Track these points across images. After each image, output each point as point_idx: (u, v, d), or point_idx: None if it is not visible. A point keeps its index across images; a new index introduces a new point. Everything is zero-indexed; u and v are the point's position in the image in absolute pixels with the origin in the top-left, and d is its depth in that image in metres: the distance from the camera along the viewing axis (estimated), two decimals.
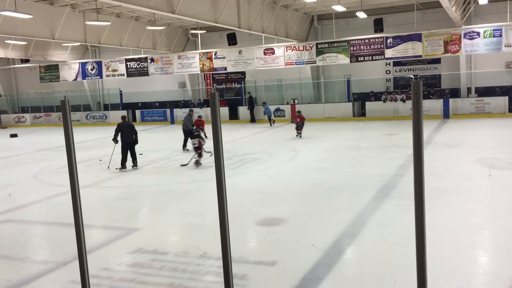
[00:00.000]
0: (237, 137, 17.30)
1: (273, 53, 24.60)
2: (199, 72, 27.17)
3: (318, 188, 9.94)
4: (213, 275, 5.56)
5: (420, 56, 22.00)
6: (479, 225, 7.06)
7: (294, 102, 25.93)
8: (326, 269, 5.61)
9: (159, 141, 20.02)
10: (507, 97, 21.41)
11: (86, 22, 20.96)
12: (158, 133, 24.01)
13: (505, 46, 20.05)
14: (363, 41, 22.67)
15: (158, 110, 29.42)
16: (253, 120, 25.79)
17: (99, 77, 29.24)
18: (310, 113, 24.46)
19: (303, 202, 9.02)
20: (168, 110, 28.74)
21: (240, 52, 25.24)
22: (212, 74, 28.98)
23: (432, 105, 22.38)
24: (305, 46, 23.97)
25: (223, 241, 2.22)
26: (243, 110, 26.95)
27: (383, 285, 5.13)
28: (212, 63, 26.06)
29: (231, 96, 28.80)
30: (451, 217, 7.43)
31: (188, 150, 15.64)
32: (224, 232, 2.24)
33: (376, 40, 22.33)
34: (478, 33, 20.52)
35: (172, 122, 28.06)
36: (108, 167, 13.35)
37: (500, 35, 20.06)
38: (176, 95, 30.15)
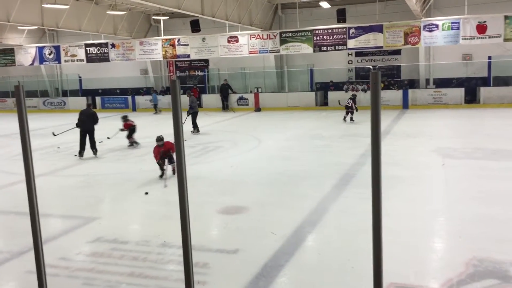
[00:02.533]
0: (201, 126, 17.17)
1: (237, 41, 24.47)
2: (161, 59, 26.77)
3: (281, 176, 10.01)
4: (175, 264, 5.53)
5: (381, 47, 22.38)
6: (435, 212, 7.29)
7: (257, 90, 25.95)
8: (287, 256, 5.68)
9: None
10: (463, 89, 22.09)
11: (43, 5, 20.21)
12: (119, 120, 23.52)
13: (462, 38, 20.65)
14: (326, 31, 22.85)
15: (119, 97, 28.84)
16: (226, 108, 25.52)
17: (57, 62, 28.36)
18: (273, 102, 24.56)
19: (266, 190, 9.08)
20: (129, 97, 28.22)
21: (203, 39, 24.99)
22: (175, 61, 28.61)
23: (392, 96, 22.86)
24: (269, 34, 23.96)
25: (184, 230, 2.20)
26: (207, 98, 26.76)
27: (341, 271, 5.24)
28: (175, 50, 25.70)
29: (194, 83, 28.53)
30: (408, 205, 7.64)
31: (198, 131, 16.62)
32: (185, 220, 2.23)
33: (339, 30, 22.56)
34: (437, 26, 21.04)
35: (134, 109, 27.59)
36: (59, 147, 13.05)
37: (458, 28, 20.63)
38: (138, 82, 29.63)
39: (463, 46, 21.91)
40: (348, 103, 18.18)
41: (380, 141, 1.67)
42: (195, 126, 16.85)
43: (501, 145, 12.33)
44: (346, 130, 16.38)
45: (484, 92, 21.82)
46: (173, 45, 25.64)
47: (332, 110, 22.95)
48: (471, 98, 22.11)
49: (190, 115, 16.79)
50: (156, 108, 25.86)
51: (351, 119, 18.07)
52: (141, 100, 27.61)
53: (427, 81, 23.76)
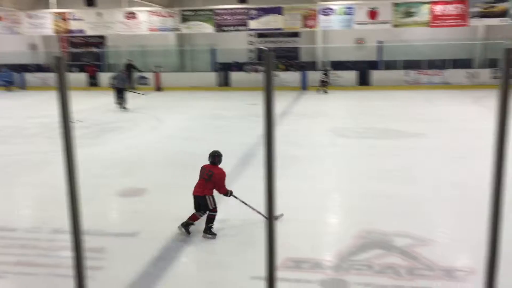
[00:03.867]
0: (97, 105, 16.40)
1: (135, 17, 23.55)
2: (52, 33, 24.99)
3: (182, 157, 9.91)
4: (67, 250, 5.27)
5: (281, 29, 22.83)
6: (330, 189, 7.67)
7: (158, 70, 25.28)
8: (186, 237, 5.66)
9: (6, 108, 18.14)
10: (356, 71, 23.29)
11: None
12: (5, 99, 21.73)
13: (356, 23, 21.71)
14: (227, 11, 22.78)
15: (5, 74, 26.51)
16: (130, 90, 24.28)
17: None
18: (174, 81, 24.08)
19: (167, 171, 8.94)
20: (17, 74, 26.05)
21: (99, 14, 23.71)
22: (69, 36, 26.87)
23: (291, 77, 23.49)
24: (170, 12, 23.35)
25: (73, 213, 2.07)
26: (106, 77, 25.51)
27: (239, 248, 5.34)
28: (68, 25, 24.14)
29: (89, 61, 27.03)
30: (305, 182, 7.96)
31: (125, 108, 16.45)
32: (74, 204, 2.09)
33: (241, 11, 22.60)
34: (333, 10, 21.89)
35: (23, 87, 25.57)
36: None
37: (352, 13, 21.64)
38: (27, 58, 27.43)
39: (356, 31, 23.05)
40: (322, 78, 21.07)
41: (273, 121, 1.69)
42: (121, 101, 16.72)
43: (389, 125, 13.23)
44: (247, 111, 16.58)
45: (375, 75, 23.19)
46: (65, 20, 24.04)
47: (234, 90, 23.07)
48: (364, 81, 23.40)
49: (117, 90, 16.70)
50: (11, 86, 24.42)
51: (325, 91, 20.83)
52: (30, 77, 25.65)
53: (324, 63, 24.71)
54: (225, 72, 24.99)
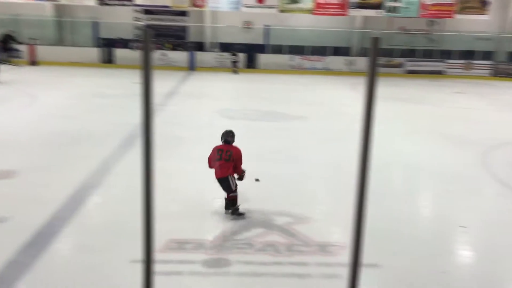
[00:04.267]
0: None
1: None
2: None
3: (61, 137, 9.29)
4: None
5: (169, 6, 22.27)
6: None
7: (33, 42, 23.30)
8: (62, 222, 5.34)
9: None
10: (244, 54, 23.57)
11: None
12: None
13: (244, 6, 21.89)
14: None
15: None
16: (4, 62, 21.86)
17: None
18: (51, 56, 22.43)
19: (41, 152, 8.33)
20: None
21: None
22: None
23: (179, 57, 23.11)
24: None
25: None
26: None
27: (120, 231, 5.17)
28: None
29: None
30: (190, 163, 7.91)
31: None
32: None
33: None
34: None
35: None
36: None
37: None
38: None
39: (244, 13, 23.25)
40: (233, 59, 22.25)
41: (152, 100, 1.63)
42: None
43: (274, 107, 13.63)
44: (133, 89, 16.00)
45: (262, 58, 23.69)
46: None
47: (118, 68, 22.10)
48: (251, 64, 23.78)
49: None
50: None
51: (235, 72, 21.86)
52: None
53: (213, 44, 24.65)
54: (108, 48, 23.81)
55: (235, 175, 5.71)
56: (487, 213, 6.27)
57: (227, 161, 5.71)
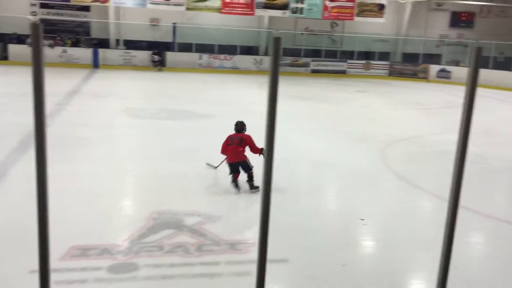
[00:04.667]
0: None
1: None
2: None
3: None
4: None
5: (69, 0, 21.16)
6: (123, 171, 7.46)
7: None
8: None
9: None
10: (151, 52, 23.04)
11: None
12: None
13: (150, 3, 21.38)
14: None
15: None
16: None
17: None
18: None
19: None
20: None
21: None
22: None
23: (81, 54, 22.06)
24: None
25: None
26: None
27: (19, 239, 4.83)
28: None
29: None
30: (97, 165, 7.58)
31: None
32: None
33: None
34: None
35: None
36: None
37: None
38: None
39: (151, 10, 22.72)
40: (154, 58, 22.32)
41: (43, 99, 1.53)
42: None
43: (182, 106, 13.48)
44: (27, 88, 14.99)
45: (169, 56, 23.31)
46: None
47: (13, 65, 20.59)
48: (159, 62, 23.29)
49: None
50: None
51: (160, 69, 22.22)
52: None
53: (118, 41, 23.81)
54: (3, 44, 22.15)
55: (258, 155, 6.71)
56: (386, 206, 6.67)
57: (238, 145, 6.64)
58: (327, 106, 15.12)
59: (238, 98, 15.81)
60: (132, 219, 5.57)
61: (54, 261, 4.45)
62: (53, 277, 3.87)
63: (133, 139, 9.63)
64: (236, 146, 6.60)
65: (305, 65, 24.53)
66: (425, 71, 24.86)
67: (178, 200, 6.18)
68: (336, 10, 22.96)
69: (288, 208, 6.14)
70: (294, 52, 24.60)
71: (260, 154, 6.66)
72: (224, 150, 6.80)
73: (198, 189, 6.77)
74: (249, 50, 24.66)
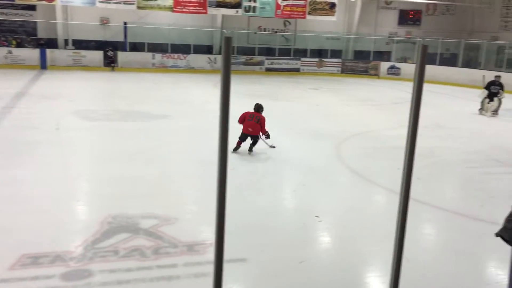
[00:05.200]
0: None
1: None
2: None
3: None
4: None
5: (14, 0, 20.35)
6: (74, 175, 7.23)
7: None
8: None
9: None
10: (102, 52, 22.51)
11: None
12: None
13: (99, 1, 20.86)
14: None
15: None
16: None
17: None
18: None
19: None
20: None
21: None
22: None
23: (28, 54, 21.28)
24: None
25: None
26: None
27: None
28: None
29: None
30: (47, 169, 7.32)
31: None
32: None
33: None
34: None
35: None
36: None
37: None
38: None
39: (101, 9, 22.17)
40: (109, 53, 21.88)
41: None
42: None
43: (136, 107, 13.23)
44: None
45: (121, 56, 22.82)
46: None
47: None
48: (111, 61, 22.79)
49: None
50: None
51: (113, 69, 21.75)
52: None
53: (66, 41, 23.10)
54: None
55: (263, 135, 8.67)
56: (342, 201, 6.78)
57: (256, 123, 8.47)
58: (282, 103, 15.23)
59: (193, 97, 15.68)
60: (86, 224, 5.41)
61: (3, 271, 4.28)
62: (2, 287, 3.70)
63: (84, 142, 9.37)
64: (254, 123, 8.44)
65: (259, 63, 24.62)
66: (376, 68, 25.50)
67: (133, 203, 6.05)
68: (288, 8, 23.17)
69: (248, 207, 6.13)
70: (248, 51, 24.64)
71: (264, 135, 8.59)
72: (242, 121, 8.46)
73: (154, 191, 6.66)
74: (203, 49, 24.50)
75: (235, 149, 8.41)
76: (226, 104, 1.98)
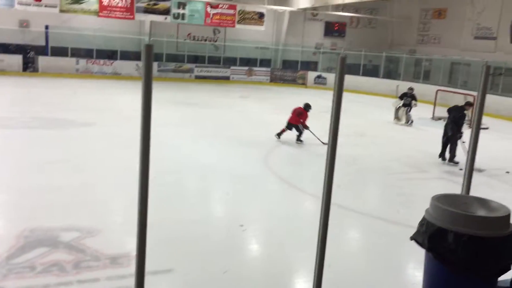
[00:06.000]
0: None
1: None
2: None
3: None
4: None
5: None
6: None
7: None
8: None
9: None
10: (21, 56, 21.37)
11: None
12: None
13: (18, 4, 19.82)
14: None
15: None
16: None
17: None
18: None
19: None
20: None
21: None
22: None
23: None
24: None
25: None
26: None
27: None
28: None
29: None
30: None
31: None
32: None
33: None
34: None
35: None
36: None
37: None
38: None
39: (20, 11, 21.04)
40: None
41: None
42: None
43: (58, 114, 12.65)
44: None
45: (42, 61, 21.78)
46: None
47: None
48: (31, 66, 21.68)
49: None
50: None
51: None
52: None
53: None
54: None
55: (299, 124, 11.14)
56: (269, 209, 6.85)
57: (296, 116, 11.16)
58: (212, 111, 15.20)
59: (119, 104, 15.24)
60: (0, 239, 5.07)
61: None
62: None
63: (1, 151, 8.81)
64: (295, 115, 11.12)
65: (189, 71, 24.46)
66: (304, 78, 26.18)
67: (54, 215, 5.76)
68: (218, 17, 23.26)
69: (176, 216, 6.03)
70: (177, 58, 24.40)
71: (299, 124, 11.02)
72: (292, 112, 11.24)
73: (77, 201, 6.38)
74: (131, 55, 23.93)
75: (279, 136, 11.16)
76: (147, 113, 1.96)
